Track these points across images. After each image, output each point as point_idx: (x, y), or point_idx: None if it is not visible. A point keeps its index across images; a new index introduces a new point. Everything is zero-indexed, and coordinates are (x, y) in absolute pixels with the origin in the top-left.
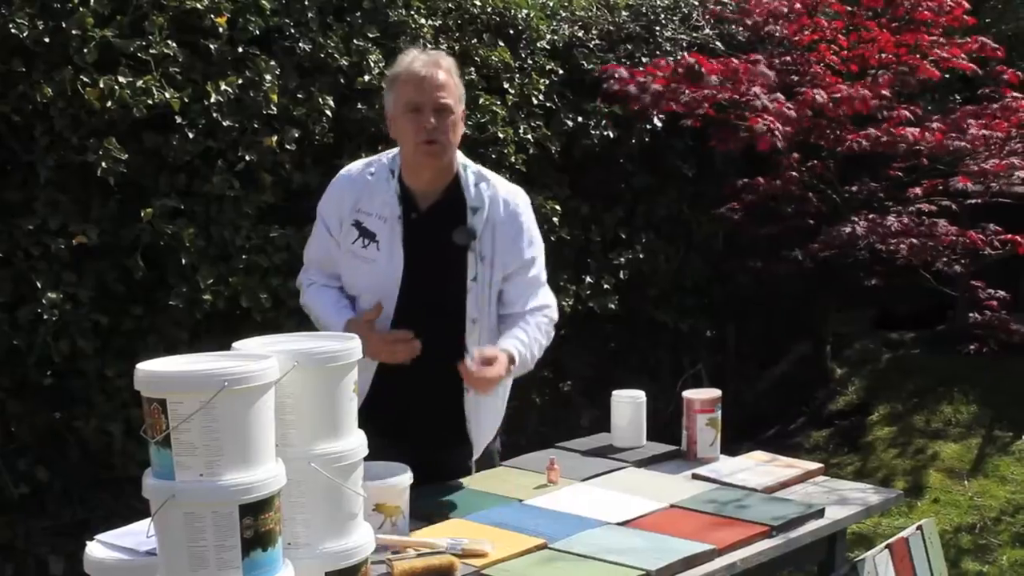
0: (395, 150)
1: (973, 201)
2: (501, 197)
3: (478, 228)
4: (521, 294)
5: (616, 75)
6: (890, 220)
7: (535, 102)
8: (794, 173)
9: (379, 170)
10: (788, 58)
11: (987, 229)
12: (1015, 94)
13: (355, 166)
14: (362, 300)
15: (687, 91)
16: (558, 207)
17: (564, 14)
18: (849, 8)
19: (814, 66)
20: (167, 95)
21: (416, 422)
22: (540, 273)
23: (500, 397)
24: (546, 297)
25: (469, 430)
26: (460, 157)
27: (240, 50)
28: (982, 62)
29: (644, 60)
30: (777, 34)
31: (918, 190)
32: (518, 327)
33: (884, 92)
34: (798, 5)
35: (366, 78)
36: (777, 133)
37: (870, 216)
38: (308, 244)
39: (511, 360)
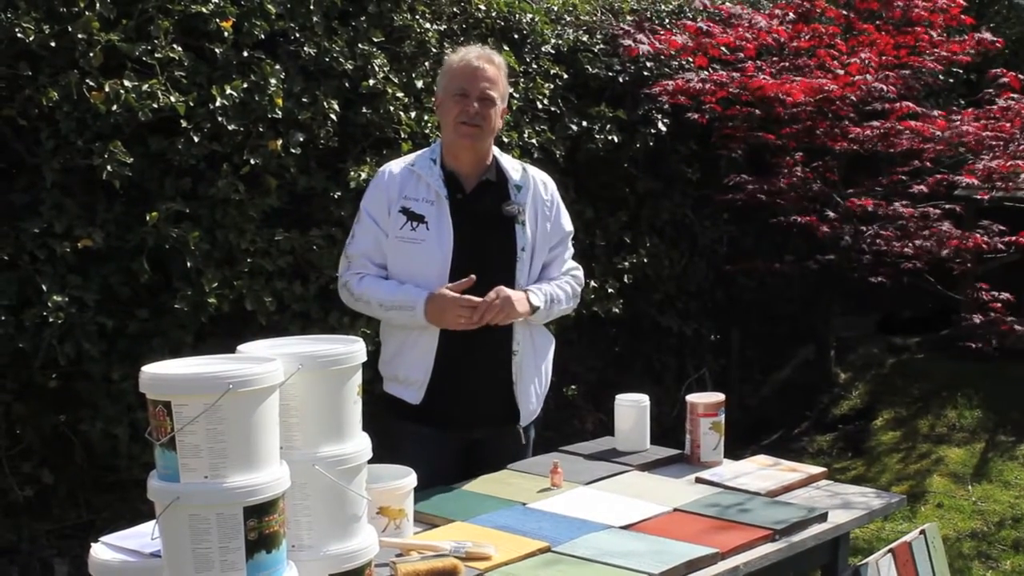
0: (435, 144)
1: (978, 196)
2: (539, 179)
3: (526, 203)
4: (557, 262)
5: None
6: (895, 204)
7: (540, 106)
8: (798, 171)
9: (420, 161)
10: (787, 63)
11: (991, 229)
12: (1016, 96)
13: (395, 163)
14: (413, 283)
15: (697, 67)
16: None
17: (569, 18)
18: (844, 12)
19: (815, 71)
20: (172, 99)
21: (471, 397)
22: (571, 244)
23: (543, 361)
24: (572, 262)
25: (516, 393)
26: (495, 149)
27: (245, 54)
28: (985, 63)
29: (648, 64)
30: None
31: (923, 187)
32: (544, 282)
33: (889, 74)
34: (790, 14)
35: (371, 82)
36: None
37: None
38: (351, 241)
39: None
